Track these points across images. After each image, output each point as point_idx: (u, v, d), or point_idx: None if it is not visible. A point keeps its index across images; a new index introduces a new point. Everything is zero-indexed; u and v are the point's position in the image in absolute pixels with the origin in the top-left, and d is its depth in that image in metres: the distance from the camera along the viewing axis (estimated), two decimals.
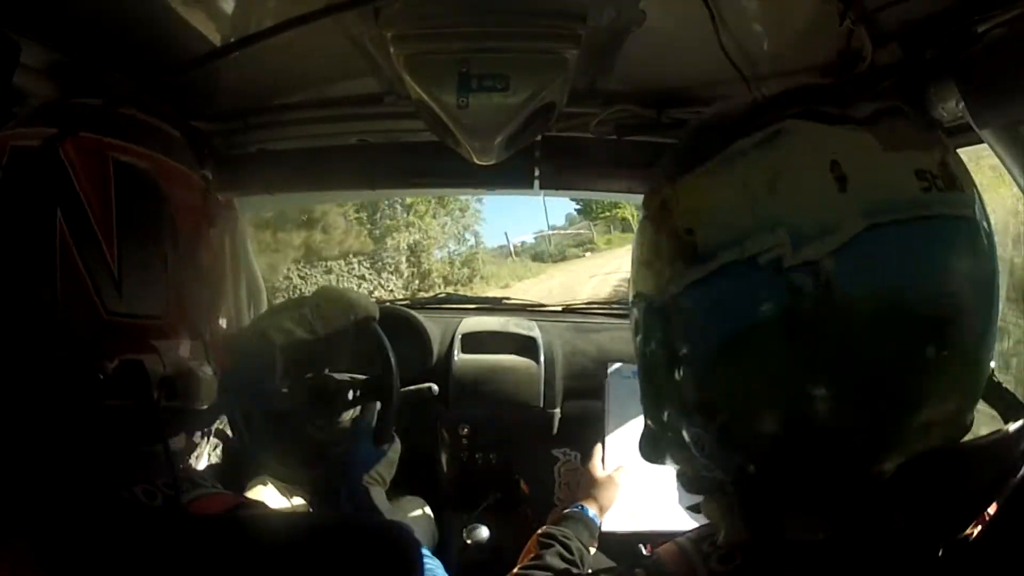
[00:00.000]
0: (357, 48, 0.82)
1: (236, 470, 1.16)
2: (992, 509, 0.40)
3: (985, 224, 0.37)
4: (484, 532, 1.17)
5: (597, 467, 0.92)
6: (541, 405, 1.30)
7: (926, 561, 0.37)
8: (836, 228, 0.34)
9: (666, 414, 0.43)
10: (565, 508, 0.90)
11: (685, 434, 0.40)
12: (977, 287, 0.36)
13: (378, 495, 0.95)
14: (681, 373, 0.39)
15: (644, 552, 0.46)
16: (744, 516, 0.41)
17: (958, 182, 0.36)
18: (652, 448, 0.47)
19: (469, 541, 1.16)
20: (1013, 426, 0.39)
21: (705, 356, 0.37)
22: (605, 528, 0.88)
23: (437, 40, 0.78)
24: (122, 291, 0.48)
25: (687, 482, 0.47)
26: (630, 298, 0.45)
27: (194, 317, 0.54)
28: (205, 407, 0.56)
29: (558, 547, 0.76)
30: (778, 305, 0.34)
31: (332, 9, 0.46)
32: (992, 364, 0.40)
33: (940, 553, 0.37)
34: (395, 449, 1.03)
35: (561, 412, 1.29)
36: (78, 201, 0.47)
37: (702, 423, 0.38)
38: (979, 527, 0.40)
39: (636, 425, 0.93)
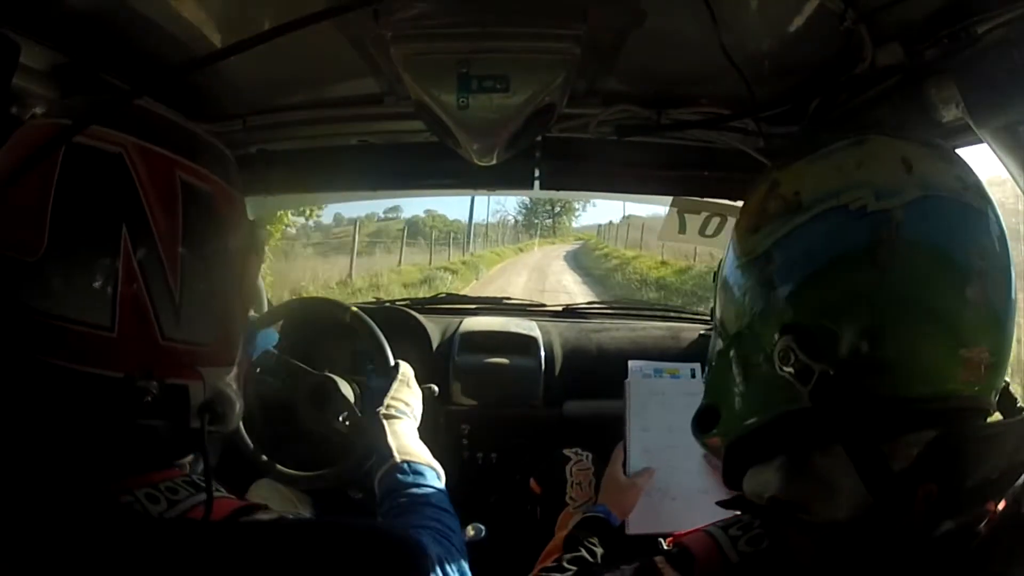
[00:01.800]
0: (357, 48, 0.82)
1: (238, 472, 1.16)
2: (1001, 505, 0.42)
3: (1004, 229, 0.48)
4: (482, 529, 1.17)
5: (619, 471, 0.91)
6: (541, 405, 1.30)
7: (938, 551, 0.42)
8: (904, 192, 0.46)
9: (746, 349, 0.51)
10: (578, 507, 0.89)
11: (771, 360, 0.47)
12: (999, 263, 0.46)
13: (407, 427, 0.86)
14: (779, 298, 0.48)
15: (664, 545, 0.47)
16: (793, 466, 0.48)
17: (986, 196, 0.48)
18: (709, 421, 0.54)
19: (472, 532, 1.16)
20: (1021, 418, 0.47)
21: (804, 281, 0.47)
22: (631, 531, 0.88)
23: (437, 40, 0.78)
24: (180, 317, 0.46)
25: (736, 458, 0.52)
26: (721, 271, 0.55)
27: (235, 343, 0.53)
28: (233, 429, 0.55)
29: (583, 552, 0.76)
30: (862, 239, 0.45)
31: (333, 11, 0.46)
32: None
33: (951, 545, 0.42)
34: (403, 373, 0.96)
35: (562, 412, 1.29)
36: (145, 220, 0.44)
37: (793, 339, 0.46)
38: (986, 522, 0.41)
39: (658, 425, 0.93)
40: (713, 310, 0.57)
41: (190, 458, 0.53)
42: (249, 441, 1.10)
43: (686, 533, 0.50)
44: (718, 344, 0.55)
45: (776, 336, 0.47)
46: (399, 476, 0.76)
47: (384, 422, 0.85)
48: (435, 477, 0.78)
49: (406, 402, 0.91)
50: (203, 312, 0.48)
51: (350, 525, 0.51)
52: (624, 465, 0.92)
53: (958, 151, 0.51)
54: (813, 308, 0.46)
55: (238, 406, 0.53)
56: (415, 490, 0.73)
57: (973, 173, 0.49)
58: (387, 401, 0.89)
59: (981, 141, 0.65)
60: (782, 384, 0.46)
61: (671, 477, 0.92)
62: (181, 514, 0.47)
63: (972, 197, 0.47)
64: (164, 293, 0.45)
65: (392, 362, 1.04)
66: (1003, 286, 0.46)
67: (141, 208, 0.44)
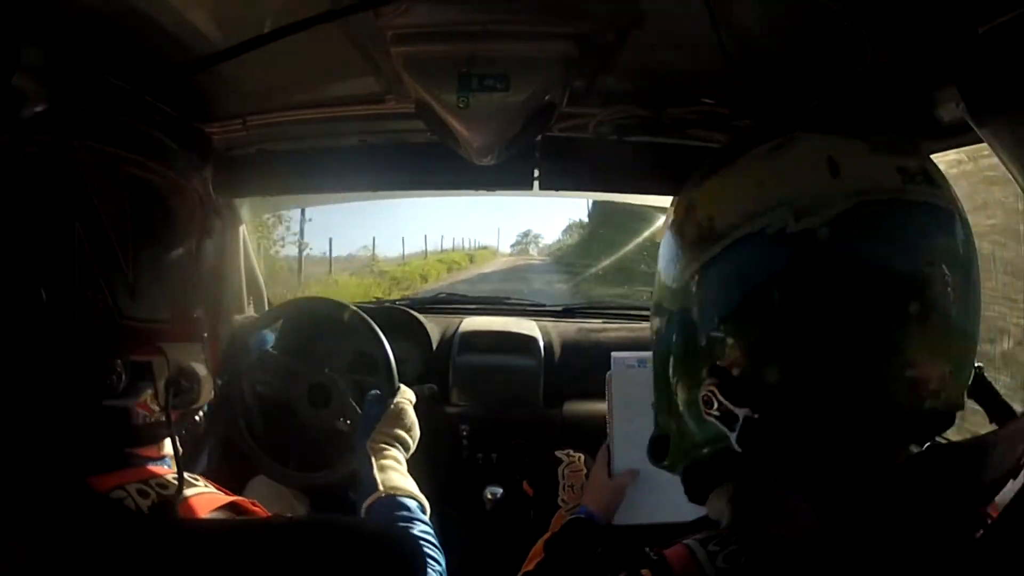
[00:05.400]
0: (357, 48, 0.82)
1: (235, 470, 1.16)
2: (994, 512, 0.41)
3: (960, 216, 0.43)
4: (499, 491, 1.19)
5: (603, 472, 0.91)
6: (541, 405, 1.30)
7: (926, 559, 0.40)
8: (830, 204, 0.41)
9: (678, 388, 0.48)
10: (570, 509, 0.89)
11: (698, 402, 0.45)
12: (953, 261, 0.42)
13: (393, 460, 0.85)
14: (701, 339, 0.45)
15: (651, 555, 0.47)
16: (742, 496, 0.47)
17: (936, 181, 0.43)
18: (661, 450, 0.53)
19: (489, 496, 1.18)
20: (1013, 426, 0.44)
21: (721, 320, 0.43)
22: (616, 522, 0.87)
23: (437, 40, 0.78)
24: (135, 296, 0.50)
25: (693, 483, 0.52)
26: (653, 302, 0.51)
27: (196, 320, 0.56)
28: (202, 406, 0.57)
29: (564, 555, 0.76)
30: (781, 267, 0.41)
31: (334, 14, 0.46)
32: (979, 364, 0.46)
33: (941, 553, 0.40)
34: (398, 403, 0.94)
35: (562, 412, 1.29)
36: (94, 211, 0.49)
37: (715, 382, 0.43)
38: (980, 529, 0.41)
39: (642, 420, 0.93)
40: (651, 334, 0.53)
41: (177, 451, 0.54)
42: (250, 439, 1.10)
43: (668, 545, 0.50)
44: (658, 371, 0.52)
45: (703, 375, 0.44)
46: (383, 509, 0.77)
47: (371, 454, 0.86)
48: (419, 509, 0.79)
49: (396, 435, 0.91)
50: (157, 291, 0.52)
51: (339, 523, 0.52)
52: (609, 464, 0.91)
53: (958, 150, 0.48)
54: (733, 349, 0.43)
55: (206, 381, 0.56)
56: (399, 523, 0.75)
57: (918, 157, 0.44)
58: (375, 433, 0.89)
59: (981, 141, 0.65)
60: (713, 423, 0.44)
61: (655, 468, 0.91)
62: (169, 507, 0.49)
63: (917, 191, 0.42)
64: (118, 276, 0.49)
65: (396, 385, 1.01)
66: (960, 287, 0.42)
67: (90, 201, 0.49)
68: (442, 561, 0.72)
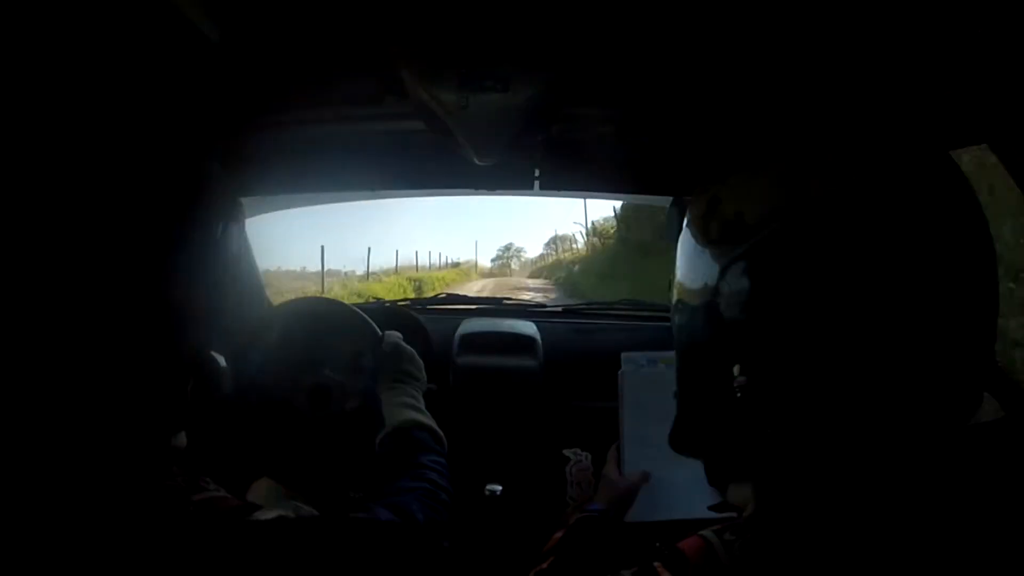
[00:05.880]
0: (357, 47, 0.82)
1: (238, 472, 1.16)
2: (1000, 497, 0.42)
3: (976, 202, 0.44)
4: (499, 488, 1.19)
5: (614, 470, 0.91)
6: (541, 406, 1.30)
7: (946, 547, 0.41)
8: (854, 198, 0.41)
9: (705, 381, 0.48)
10: (578, 507, 0.89)
11: (725, 394, 0.45)
12: (973, 243, 0.42)
13: (400, 396, 0.87)
14: (728, 333, 0.45)
15: (663, 549, 0.48)
16: (768, 484, 0.47)
17: (949, 172, 0.44)
18: (685, 438, 0.53)
19: (488, 493, 1.18)
20: None
21: (751, 312, 0.43)
22: (630, 519, 0.88)
23: (437, 40, 0.78)
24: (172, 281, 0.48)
25: (716, 473, 0.52)
26: (674, 297, 0.51)
27: (222, 309, 0.55)
28: (219, 398, 0.56)
29: (578, 553, 0.76)
30: (812, 260, 0.41)
31: None
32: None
33: (960, 541, 0.41)
34: (388, 344, 0.95)
35: (563, 412, 1.29)
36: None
37: (743, 379, 0.44)
38: (986, 513, 0.41)
39: (654, 415, 0.92)
40: (672, 327, 0.53)
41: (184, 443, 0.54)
42: (250, 439, 1.10)
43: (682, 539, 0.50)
44: (682, 365, 0.52)
45: (731, 370, 0.44)
46: (393, 441, 0.80)
47: (382, 397, 0.88)
48: (430, 439, 0.81)
49: (401, 370, 0.92)
50: (192, 275, 0.50)
51: (346, 520, 0.52)
52: (619, 463, 0.91)
53: (958, 151, 0.49)
54: (761, 343, 0.43)
55: (225, 372, 0.55)
56: (408, 454, 0.77)
57: (929, 148, 0.45)
58: (381, 379, 0.91)
59: (981, 141, 0.65)
60: (743, 415, 0.45)
61: (668, 465, 0.91)
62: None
63: (931, 181, 0.43)
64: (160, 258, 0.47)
65: (377, 332, 1.01)
66: (979, 266, 0.42)
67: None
68: (450, 489, 0.74)
